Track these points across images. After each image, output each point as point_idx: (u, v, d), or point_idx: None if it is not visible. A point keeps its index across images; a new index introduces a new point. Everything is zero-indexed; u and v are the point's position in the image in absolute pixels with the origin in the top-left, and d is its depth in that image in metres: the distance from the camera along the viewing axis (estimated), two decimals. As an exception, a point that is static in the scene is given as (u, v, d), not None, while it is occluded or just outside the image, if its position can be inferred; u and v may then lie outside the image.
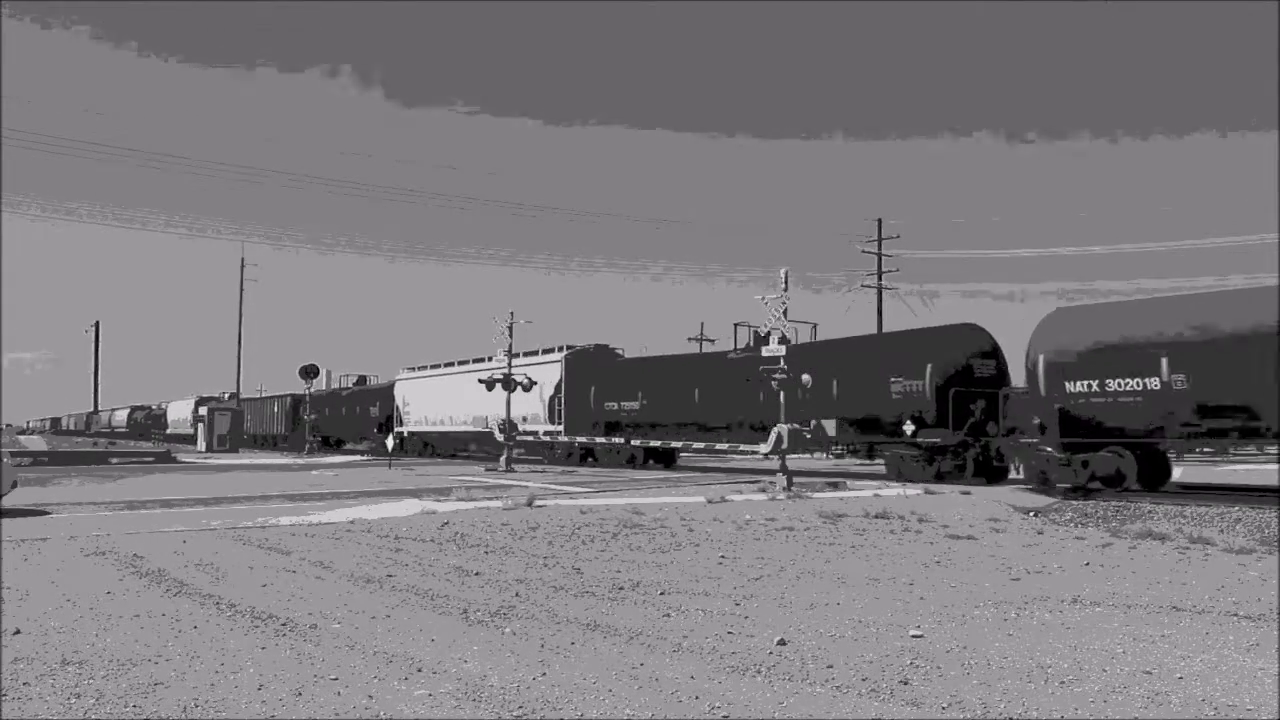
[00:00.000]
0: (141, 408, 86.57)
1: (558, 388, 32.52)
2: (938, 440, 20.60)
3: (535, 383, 30.22)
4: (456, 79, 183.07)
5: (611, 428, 30.58)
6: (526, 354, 33.44)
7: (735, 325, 26.78)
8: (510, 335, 28.87)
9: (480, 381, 30.34)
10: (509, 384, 28.55)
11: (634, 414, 29.75)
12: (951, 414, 20.13)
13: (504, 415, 29.30)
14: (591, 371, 32.15)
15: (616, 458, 30.03)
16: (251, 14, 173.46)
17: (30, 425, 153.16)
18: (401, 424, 42.72)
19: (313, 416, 51.39)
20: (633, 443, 29.42)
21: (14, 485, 14.51)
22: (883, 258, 47.30)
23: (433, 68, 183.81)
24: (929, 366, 20.93)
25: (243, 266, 60.16)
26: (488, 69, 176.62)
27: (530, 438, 33.48)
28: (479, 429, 35.82)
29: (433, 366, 41.54)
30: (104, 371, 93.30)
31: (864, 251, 47.53)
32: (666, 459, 30.10)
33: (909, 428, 21.08)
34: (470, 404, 35.61)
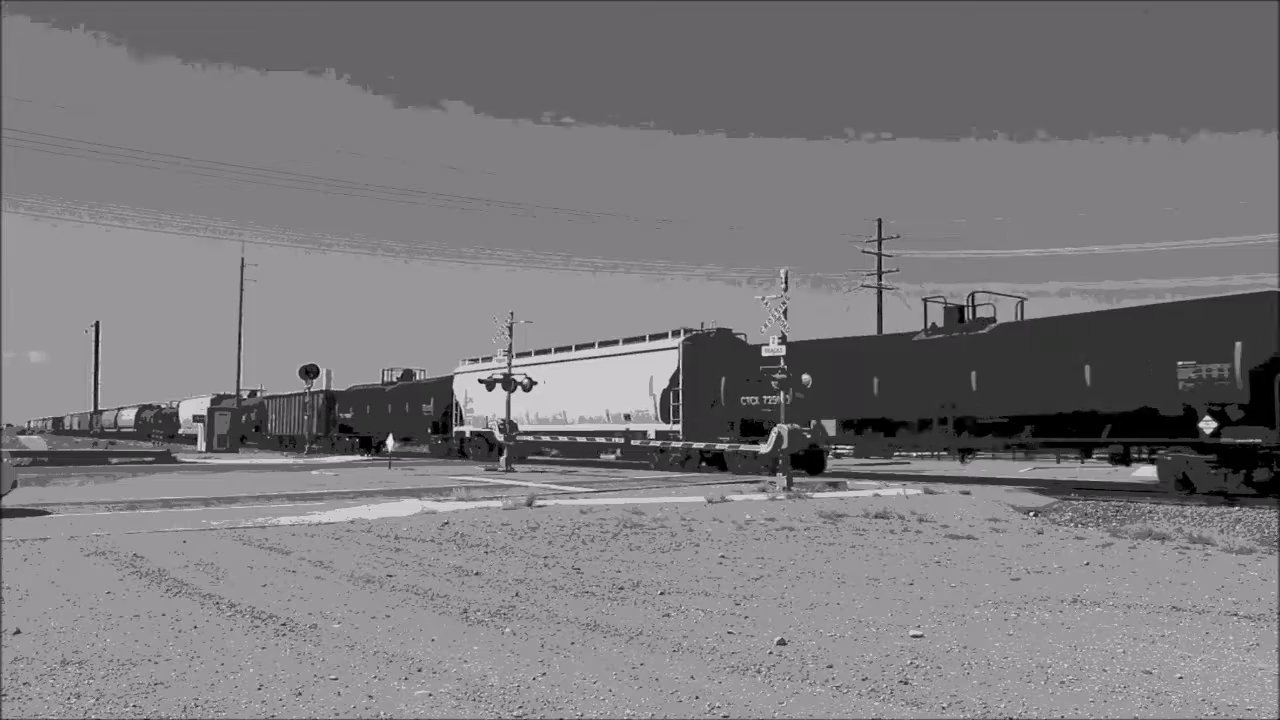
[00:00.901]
0: (150, 406, 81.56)
1: (673, 379, 27.12)
2: (1256, 441, 15.95)
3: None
4: (457, 79, 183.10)
5: (751, 428, 24.81)
6: (628, 340, 29.10)
7: (925, 300, 22.00)
8: (510, 335, 28.84)
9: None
10: (509, 384, 28.52)
11: (784, 412, 23.08)
12: (1279, 407, 15.61)
13: (620, 411, 26.20)
14: (720, 360, 26.35)
15: (754, 464, 24.05)
16: (252, 13, 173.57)
17: (31, 425, 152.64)
18: (462, 423, 37.16)
19: (348, 414, 46.71)
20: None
21: (14, 485, 14.51)
22: (883, 257, 47.35)
23: (434, 68, 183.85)
24: (1238, 345, 16.20)
25: (243, 266, 60.14)
26: (489, 69, 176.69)
27: (637, 441, 28.35)
28: (589, 427, 30.14)
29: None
30: (102, 372, 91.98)
31: (864, 251, 47.59)
32: (814, 464, 24.62)
33: (1207, 425, 16.40)
34: (567, 398, 30.59)
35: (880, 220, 47.40)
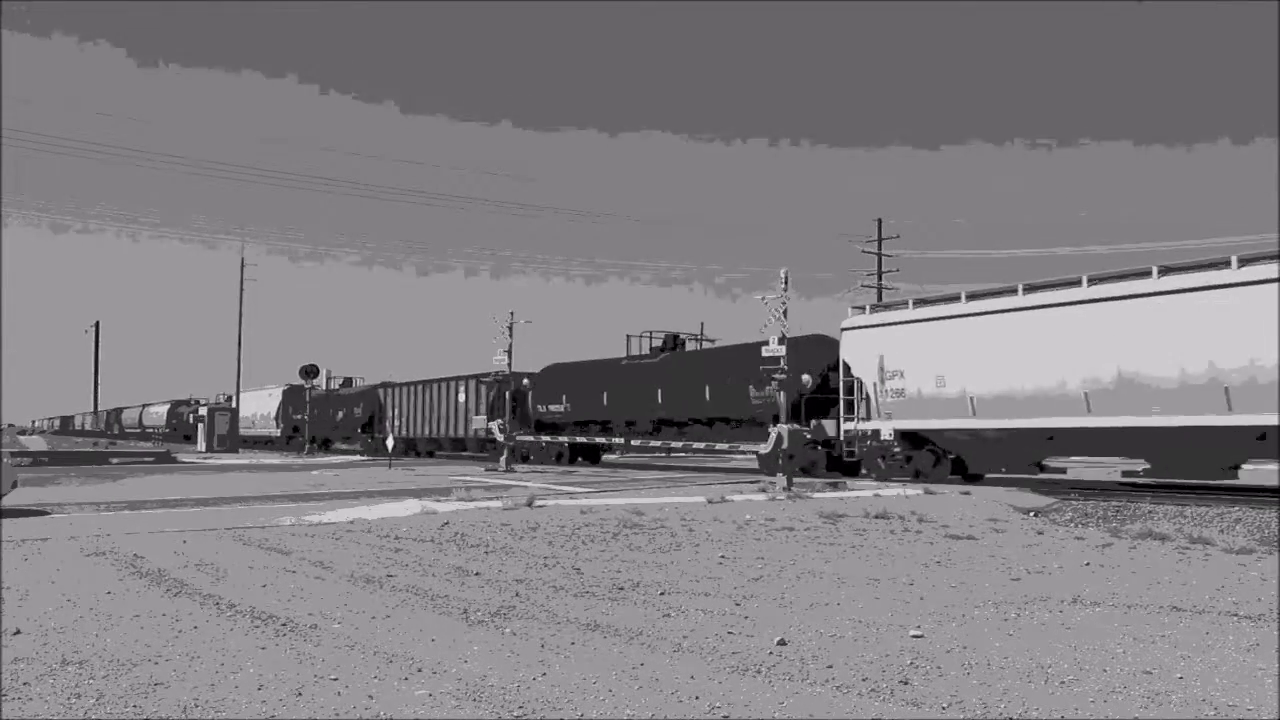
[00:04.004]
0: (187, 402, 68.30)
1: None
2: None
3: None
4: (458, 82, 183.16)
5: None
6: None
7: None
8: (510, 335, 28.80)
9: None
10: (507, 382, 28.52)
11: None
12: None
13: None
14: None
15: None
16: (251, 14, 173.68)
17: (35, 425, 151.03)
18: (865, 414, 21.22)
19: (558, 407, 31.58)
20: None
21: (14, 485, 14.51)
22: (883, 258, 47.38)
23: (433, 71, 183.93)
24: None
25: (243, 266, 60.15)
26: (490, 70, 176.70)
27: None
28: (1191, 418, 16.08)
29: (988, 296, 19.32)
30: (100, 373, 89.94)
31: (864, 251, 47.63)
32: None
33: None
34: (1113, 357, 17.19)
35: (880, 220, 47.43)
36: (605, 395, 29.80)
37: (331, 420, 47.41)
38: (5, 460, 15.40)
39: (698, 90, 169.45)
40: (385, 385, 43.27)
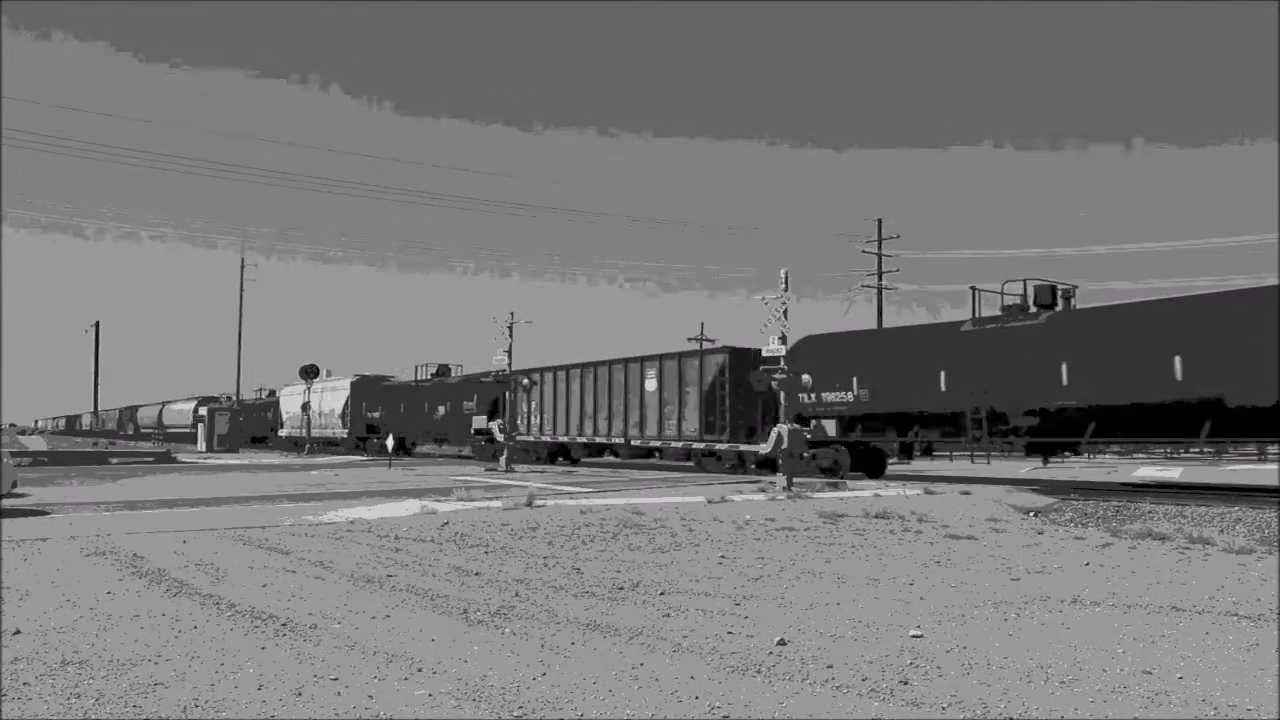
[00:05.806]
0: (214, 398, 59.84)
1: None
2: None
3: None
4: (458, 83, 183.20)
5: None
6: None
7: None
8: (510, 335, 28.77)
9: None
10: (512, 386, 28.51)
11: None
12: None
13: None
14: None
15: None
16: (251, 14, 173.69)
17: (39, 424, 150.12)
18: None
19: (822, 396, 22.28)
20: None
21: (14, 485, 14.51)
22: (883, 258, 47.40)
23: (431, 72, 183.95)
24: None
25: (243, 267, 60.32)
26: (490, 70, 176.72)
27: None
28: None
29: None
30: (104, 374, 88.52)
31: (864, 251, 47.64)
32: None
33: None
34: None
35: (880, 220, 47.41)
36: (943, 376, 19.81)
37: (427, 418, 36.87)
38: (5, 460, 15.40)
39: (698, 90, 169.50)
40: (540, 370, 32.39)
